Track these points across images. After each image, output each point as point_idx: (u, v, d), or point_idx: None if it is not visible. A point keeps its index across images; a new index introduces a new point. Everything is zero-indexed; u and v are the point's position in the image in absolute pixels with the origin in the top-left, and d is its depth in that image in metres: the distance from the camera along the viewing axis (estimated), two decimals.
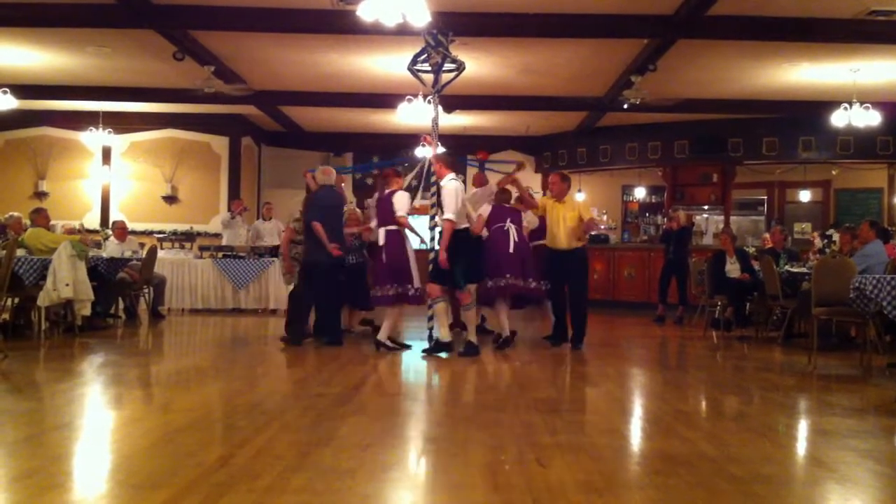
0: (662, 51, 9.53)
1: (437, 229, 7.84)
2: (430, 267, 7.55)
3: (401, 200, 7.60)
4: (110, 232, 11.23)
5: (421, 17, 6.83)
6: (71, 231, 10.23)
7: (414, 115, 10.89)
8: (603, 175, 16.22)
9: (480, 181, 8.98)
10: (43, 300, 7.84)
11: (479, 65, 10.32)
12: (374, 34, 8.38)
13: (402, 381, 6.49)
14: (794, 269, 8.81)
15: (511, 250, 7.89)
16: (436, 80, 8.44)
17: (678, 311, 11.28)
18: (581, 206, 8.28)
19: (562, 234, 7.90)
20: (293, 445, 3.96)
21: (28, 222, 9.10)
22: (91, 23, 9.02)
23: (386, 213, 7.65)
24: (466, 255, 7.36)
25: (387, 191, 7.88)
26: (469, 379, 6.49)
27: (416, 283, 7.56)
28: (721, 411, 5.58)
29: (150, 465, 3.62)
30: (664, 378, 6.88)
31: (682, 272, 11.25)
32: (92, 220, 14.34)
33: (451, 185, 7.32)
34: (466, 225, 7.42)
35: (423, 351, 7.50)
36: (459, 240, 7.27)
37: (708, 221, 15.57)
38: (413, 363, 7.18)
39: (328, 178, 8.09)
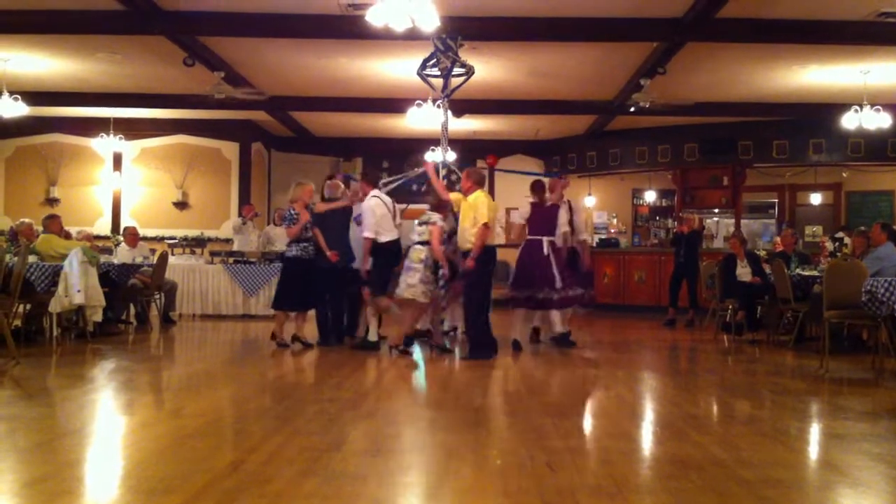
0: (671, 54, 9.52)
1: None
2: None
3: (562, 216, 8.23)
4: (121, 238, 11.25)
5: (430, 22, 6.83)
6: (87, 237, 10.27)
7: (423, 119, 10.89)
8: (613, 178, 16.20)
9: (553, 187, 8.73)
10: (55, 306, 7.86)
11: (488, 69, 10.32)
12: (384, 39, 8.37)
13: (413, 387, 6.50)
14: (806, 273, 8.76)
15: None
16: (445, 85, 8.47)
17: (689, 315, 11.24)
18: (481, 207, 7.45)
19: (465, 234, 7.59)
20: (304, 450, 3.97)
21: (40, 228, 9.15)
22: (102, 29, 9.07)
23: (550, 224, 8.08)
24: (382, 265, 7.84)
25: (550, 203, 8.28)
26: (479, 384, 6.48)
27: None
28: (732, 415, 5.56)
29: (162, 471, 3.63)
30: (675, 382, 6.86)
31: (692, 276, 11.23)
32: (103, 226, 14.39)
33: (368, 202, 7.79)
34: (386, 238, 7.82)
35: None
36: (379, 251, 7.78)
37: (718, 224, 15.54)
38: (423, 369, 7.18)
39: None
